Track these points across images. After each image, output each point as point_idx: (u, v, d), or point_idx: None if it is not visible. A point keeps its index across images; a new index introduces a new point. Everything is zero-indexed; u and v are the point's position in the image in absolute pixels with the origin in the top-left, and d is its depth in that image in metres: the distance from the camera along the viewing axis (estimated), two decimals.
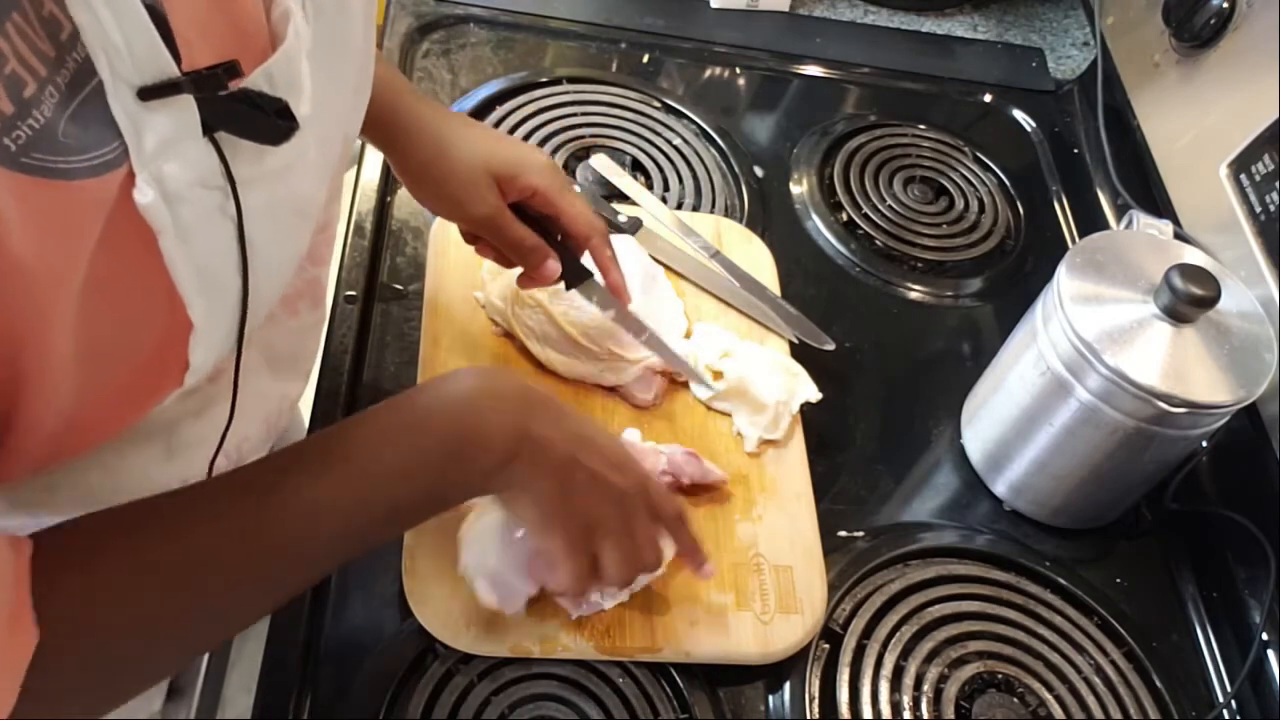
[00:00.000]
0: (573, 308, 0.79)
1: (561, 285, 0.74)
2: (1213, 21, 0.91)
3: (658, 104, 1.04)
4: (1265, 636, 0.77)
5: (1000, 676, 0.74)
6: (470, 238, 0.75)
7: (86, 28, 0.34)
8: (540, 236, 0.72)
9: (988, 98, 1.16)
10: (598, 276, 0.75)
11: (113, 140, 0.37)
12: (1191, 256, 0.77)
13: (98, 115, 0.36)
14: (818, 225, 0.99)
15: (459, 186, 0.70)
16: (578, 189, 0.89)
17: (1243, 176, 0.84)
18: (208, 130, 0.40)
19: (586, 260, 0.75)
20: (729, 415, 0.80)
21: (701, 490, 0.76)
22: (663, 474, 0.73)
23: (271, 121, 0.42)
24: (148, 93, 0.36)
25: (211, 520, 0.48)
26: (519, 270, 0.83)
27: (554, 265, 0.71)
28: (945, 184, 1.05)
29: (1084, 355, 0.73)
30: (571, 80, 1.04)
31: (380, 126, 0.70)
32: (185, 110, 0.38)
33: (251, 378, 0.60)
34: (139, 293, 0.42)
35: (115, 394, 0.44)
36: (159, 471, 0.57)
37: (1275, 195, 0.80)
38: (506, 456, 0.55)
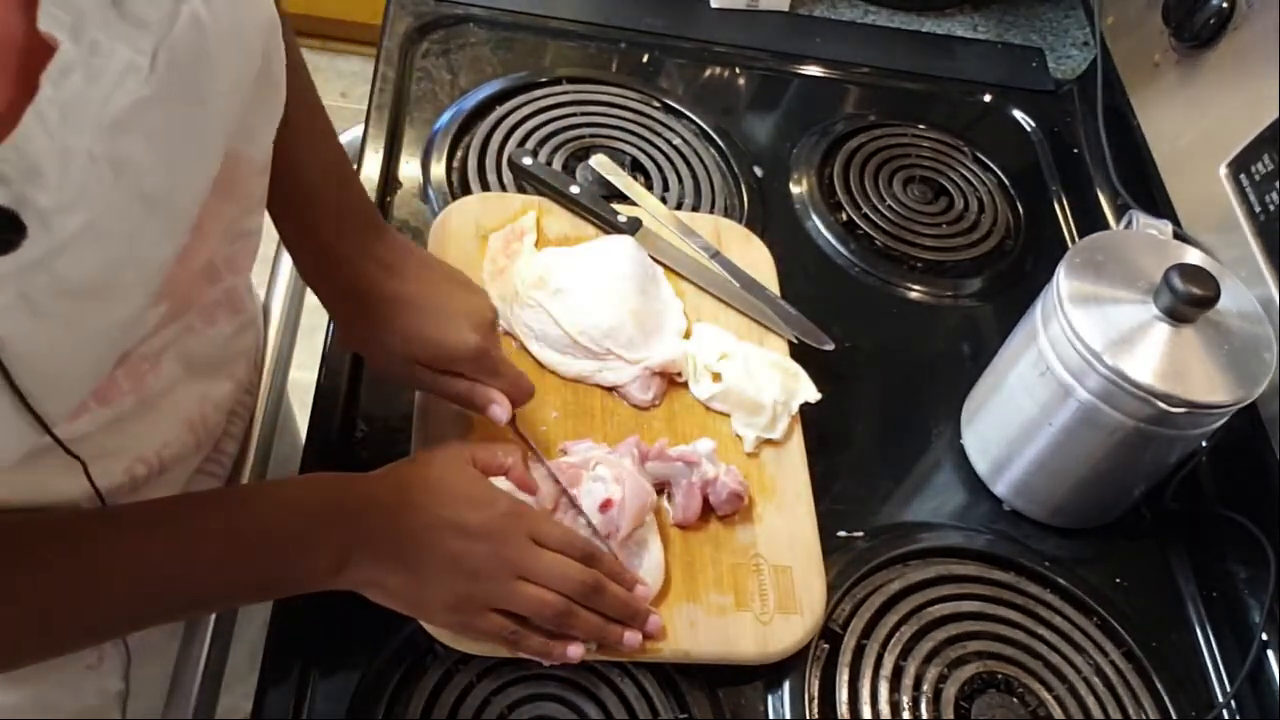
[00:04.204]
0: (573, 308, 0.79)
1: (558, 288, 0.75)
2: (1212, 21, 0.91)
3: (658, 104, 1.04)
4: (1265, 636, 0.77)
5: (1000, 676, 0.74)
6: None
7: None
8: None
9: (987, 98, 1.16)
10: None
11: None
12: (1191, 256, 0.77)
13: None
14: (817, 225, 0.99)
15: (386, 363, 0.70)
16: (576, 189, 0.89)
17: (1242, 176, 0.84)
18: None
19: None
20: (729, 415, 0.80)
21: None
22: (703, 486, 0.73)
23: None
24: None
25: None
26: (519, 269, 0.83)
27: (500, 411, 0.67)
28: (945, 184, 1.05)
29: (1083, 355, 0.73)
30: (571, 80, 1.04)
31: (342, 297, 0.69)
32: None
33: (167, 385, 0.59)
34: None
35: None
36: (71, 484, 0.55)
37: (1275, 195, 0.80)
38: (337, 564, 0.59)
